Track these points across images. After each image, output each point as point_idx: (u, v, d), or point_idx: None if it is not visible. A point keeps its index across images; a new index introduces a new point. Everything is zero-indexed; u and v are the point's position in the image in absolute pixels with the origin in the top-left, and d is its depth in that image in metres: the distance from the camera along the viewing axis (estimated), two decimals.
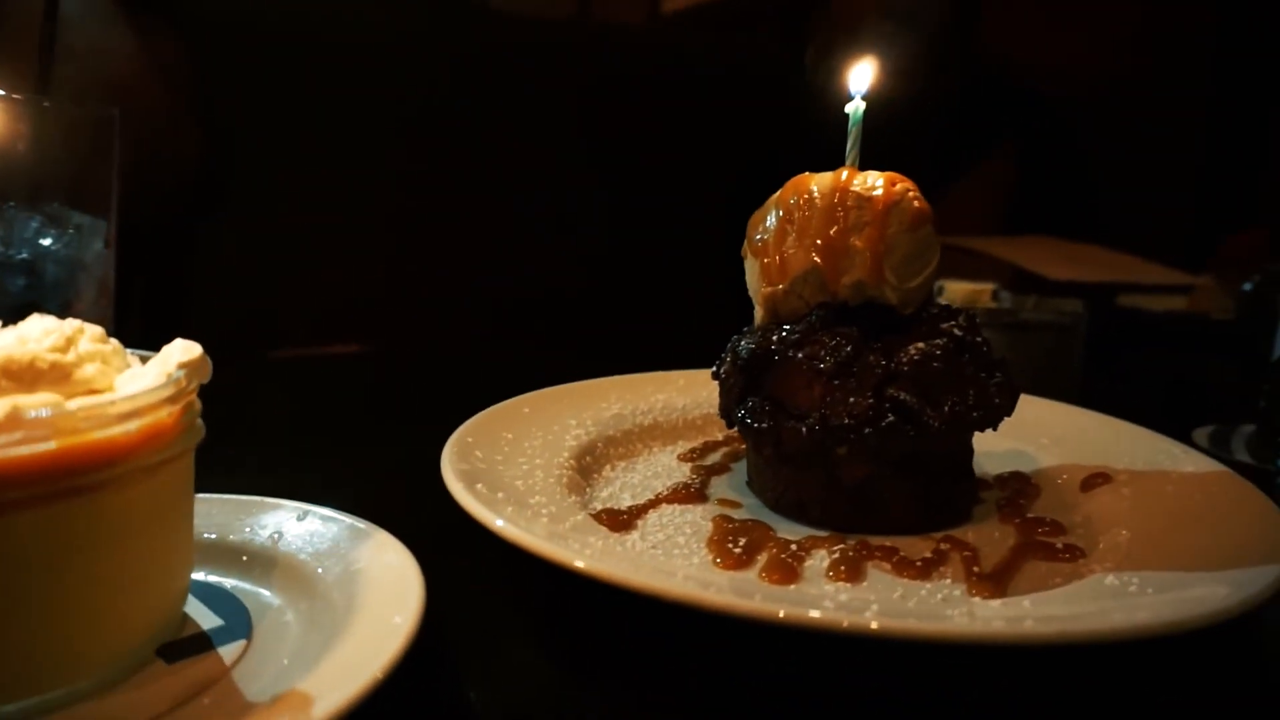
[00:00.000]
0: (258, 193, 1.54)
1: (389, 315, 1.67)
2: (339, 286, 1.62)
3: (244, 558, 0.56)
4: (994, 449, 0.78)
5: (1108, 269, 1.80)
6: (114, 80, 1.20)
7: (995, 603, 0.54)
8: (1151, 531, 0.61)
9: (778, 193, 0.73)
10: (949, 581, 0.58)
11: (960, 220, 2.04)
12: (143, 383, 0.46)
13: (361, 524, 0.57)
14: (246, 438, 0.90)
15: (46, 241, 0.84)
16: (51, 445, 0.40)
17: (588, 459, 0.78)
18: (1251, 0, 2.30)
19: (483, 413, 0.80)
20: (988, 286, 1.25)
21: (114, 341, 0.49)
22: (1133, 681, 0.51)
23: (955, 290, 1.25)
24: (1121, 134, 2.26)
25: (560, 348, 1.46)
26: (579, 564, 0.51)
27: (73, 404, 0.43)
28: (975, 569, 0.59)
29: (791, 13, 2.18)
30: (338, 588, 0.51)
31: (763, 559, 0.60)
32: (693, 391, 0.93)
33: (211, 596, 0.53)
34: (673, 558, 0.61)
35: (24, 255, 0.83)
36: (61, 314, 0.49)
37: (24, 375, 0.43)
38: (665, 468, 0.80)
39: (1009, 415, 0.69)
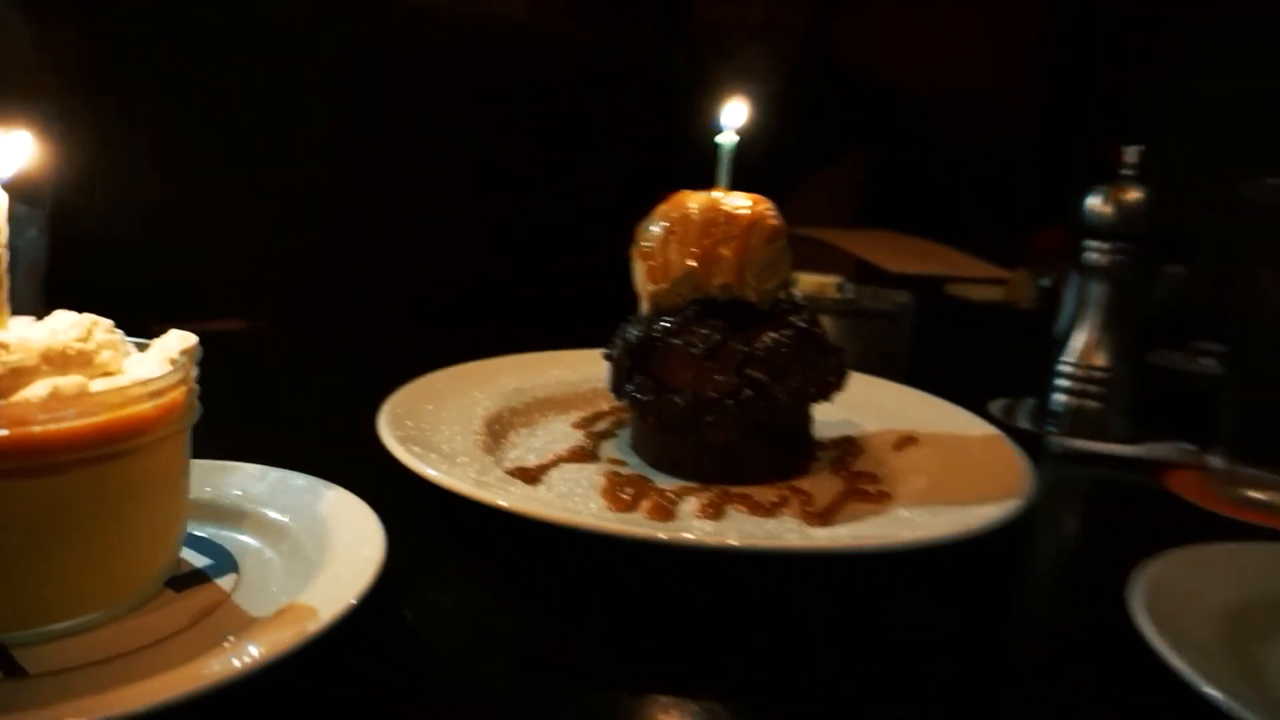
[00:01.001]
0: (138, 171, 1.55)
1: (268, 293, 1.71)
2: (218, 263, 1.65)
3: (216, 510, 0.66)
4: (829, 418, 0.95)
5: (939, 263, 2.04)
6: (14, 65, 1.23)
7: (822, 531, 0.71)
8: (941, 479, 0.80)
9: (661, 206, 0.87)
10: (789, 518, 0.75)
11: (815, 214, 2.25)
12: (152, 367, 0.56)
13: (318, 481, 0.68)
14: None
15: None
16: (100, 418, 0.50)
17: (496, 426, 0.91)
18: (1077, 13, 2.58)
19: (404, 387, 0.92)
20: (833, 279, 1.45)
21: (119, 331, 0.59)
22: (919, 583, 0.69)
23: (806, 281, 1.44)
24: (962, 138, 2.52)
25: (448, 332, 1.54)
26: (503, 503, 0.65)
27: (103, 383, 0.53)
28: (809, 509, 0.76)
29: (663, 14, 2.32)
30: (306, 532, 0.63)
31: (646, 504, 0.76)
32: (581, 368, 1.05)
33: (196, 542, 0.63)
34: (574, 502, 0.76)
35: None
36: None
37: (58, 360, 0.53)
38: (562, 434, 0.93)
39: (841, 391, 0.87)
